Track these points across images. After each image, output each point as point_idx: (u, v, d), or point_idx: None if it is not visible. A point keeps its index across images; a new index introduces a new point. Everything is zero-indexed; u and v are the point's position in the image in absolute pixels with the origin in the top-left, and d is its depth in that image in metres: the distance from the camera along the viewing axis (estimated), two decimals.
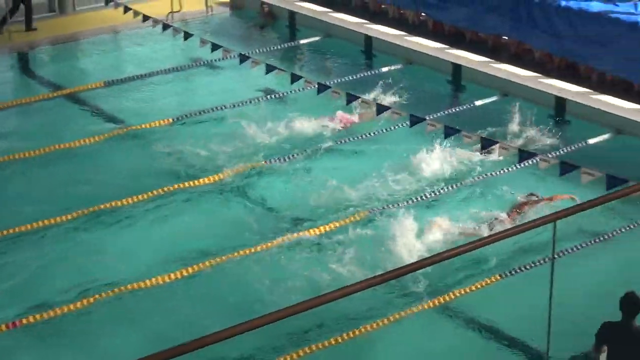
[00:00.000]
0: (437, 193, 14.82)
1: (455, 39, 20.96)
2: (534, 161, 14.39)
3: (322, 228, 13.85)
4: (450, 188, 14.95)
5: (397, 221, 13.63)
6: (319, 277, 12.58)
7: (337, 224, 13.94)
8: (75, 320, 11.99)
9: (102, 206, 14.45)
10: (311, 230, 13.82)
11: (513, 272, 12.72)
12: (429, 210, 14.36)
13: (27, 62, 21.80)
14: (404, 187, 15.06)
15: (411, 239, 13.31)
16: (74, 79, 20.02)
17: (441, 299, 12.25)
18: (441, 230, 13.54)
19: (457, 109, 17.81)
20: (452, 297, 12.30)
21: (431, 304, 12.17)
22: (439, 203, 14.70)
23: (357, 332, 11.61)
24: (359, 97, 16.41)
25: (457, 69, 19.46)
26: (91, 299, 12.22)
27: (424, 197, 14.68)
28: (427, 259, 8.64)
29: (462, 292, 12.40)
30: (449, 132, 15.00)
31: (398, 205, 14.38)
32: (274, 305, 8.95)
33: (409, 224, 13.52)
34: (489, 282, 12.55)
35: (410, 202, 14.52)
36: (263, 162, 15.82)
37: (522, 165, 14.81)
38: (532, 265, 12.79)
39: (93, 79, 19.78)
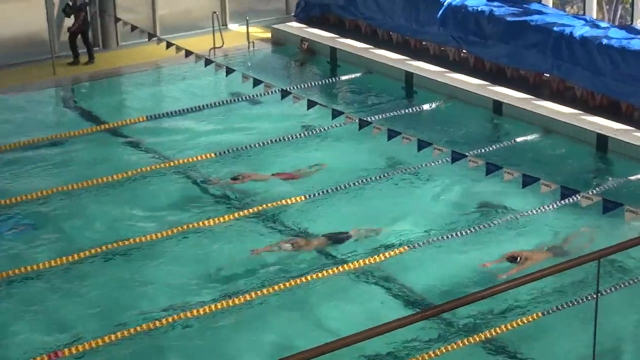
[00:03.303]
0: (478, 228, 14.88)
1: (497, 76, 21.02)
2: (576, 198, 14.32)
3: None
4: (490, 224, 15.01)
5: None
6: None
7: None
8: None
9: (137, 239, 14.67)
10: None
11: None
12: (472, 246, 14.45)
13: (71, 95, 21.98)
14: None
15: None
16: (116, 114, 20.24)
17: (482, 336, 12.22)
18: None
19: (499, 146, 17.79)
20: (494, 333, 12.29)
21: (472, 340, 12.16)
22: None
23: None
24: (401, 133, 16.40)
25: (497, 105, 19.47)
26: None
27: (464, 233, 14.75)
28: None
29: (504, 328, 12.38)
30: (490, 169, 14.98)
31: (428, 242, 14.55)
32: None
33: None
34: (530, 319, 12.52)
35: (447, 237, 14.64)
36: (303, 197, 15.93)
37: (564, 203, 14.76)
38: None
39: (135, 113, 20.00)
